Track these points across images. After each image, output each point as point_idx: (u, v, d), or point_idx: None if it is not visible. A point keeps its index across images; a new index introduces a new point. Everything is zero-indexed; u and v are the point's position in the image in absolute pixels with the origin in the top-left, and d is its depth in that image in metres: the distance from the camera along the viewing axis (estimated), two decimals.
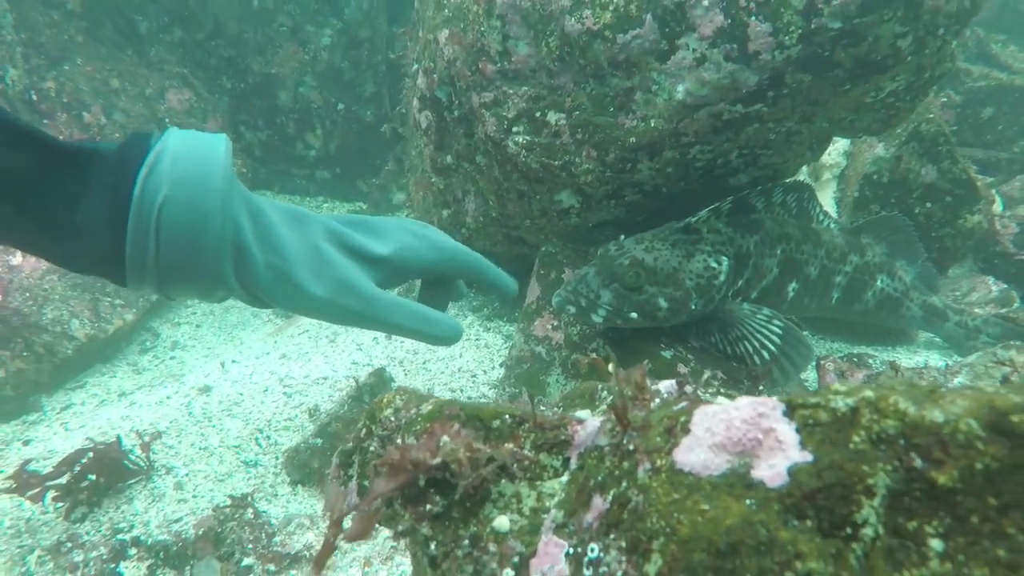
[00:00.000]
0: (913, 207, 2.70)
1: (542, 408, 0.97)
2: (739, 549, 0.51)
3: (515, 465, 0.71)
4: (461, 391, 2.29)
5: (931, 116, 2.62)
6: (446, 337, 1.10)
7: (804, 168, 2.84)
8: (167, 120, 3.69)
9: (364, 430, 0.88)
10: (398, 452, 0.71)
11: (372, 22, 4.12)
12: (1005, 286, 2.66)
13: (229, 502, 1.65)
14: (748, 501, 0.53)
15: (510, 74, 2.10)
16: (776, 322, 2.04)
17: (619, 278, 1.94)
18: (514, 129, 2.10)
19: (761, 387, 2.04)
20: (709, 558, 0.52)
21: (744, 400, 0.59)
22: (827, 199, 2.89)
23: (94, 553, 1.61)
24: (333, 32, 4.11)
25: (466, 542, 0.68)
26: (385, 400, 0.88)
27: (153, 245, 0.84)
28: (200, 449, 2.02)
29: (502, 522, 0.68)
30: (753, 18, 1.70)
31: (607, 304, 1.94)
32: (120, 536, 1.65)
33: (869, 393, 0.55)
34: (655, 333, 2.07)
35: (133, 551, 1.61)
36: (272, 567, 1.44)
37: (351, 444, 0.91)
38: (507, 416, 0.75)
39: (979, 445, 0.50)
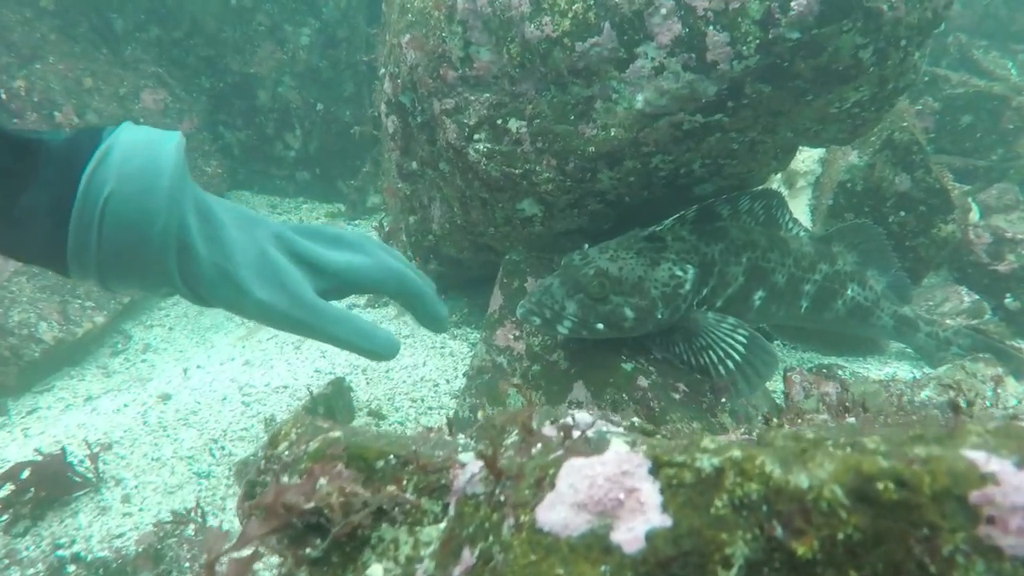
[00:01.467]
0: (887, 216, 2.67)
1: (457, 438, 0.94)
2: None
3: (396, 509, 0.68)
4: (423, 400, 2.25)
5: (904, 124, 2.59)
6: (382, 353, 1.10)
7: (778, 176, 2.81)
8: (141, 120, 3.64)
9: (264, 462, 0.85)
10: (271, 495, 0.68)
11: (350, 21, 4.08)
12: (977, 297, 2.64)
13: (171, 518, 1.62)
14: (603, 567, 0.50)
15: (472, 81, 2.07)
16: (741, 331, 2.01)
17: (584, 288, 1.91)
18: (475, 136, 2.07)
19: (724, 399, 2.02)
20: None
21: (611, 455, 0.56)
22: (802, 207, 2.86)
23: (31, 570, 1.57)
24: (311, 31, 4.07)
25: None
26: (283, 433, 0.84)
27: (96, 238, 0.85)
28: (152, 460, 1.99)
29: (375, 571, 0.65)
30: (711, 28, 1.67)
31: (572, 315, 1.91)
32: (59, 552, 1.62)
33: (737, 453, 0.52)
34: (616, 345, 2.04)
35: (72, 568, 1.58)
36: None
37: (254, 475, 0.87)
38: (392, 456, 0.72)
39: (842, 513, 0.47)
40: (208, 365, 2.69)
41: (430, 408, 2.22)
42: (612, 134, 1.89)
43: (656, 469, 0.54)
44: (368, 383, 2.32)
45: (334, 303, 1.10)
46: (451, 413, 2.20)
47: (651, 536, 0.50)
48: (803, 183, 2.83)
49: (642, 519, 0.51)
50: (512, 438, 0.80)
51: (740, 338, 2.00)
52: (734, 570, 0.48)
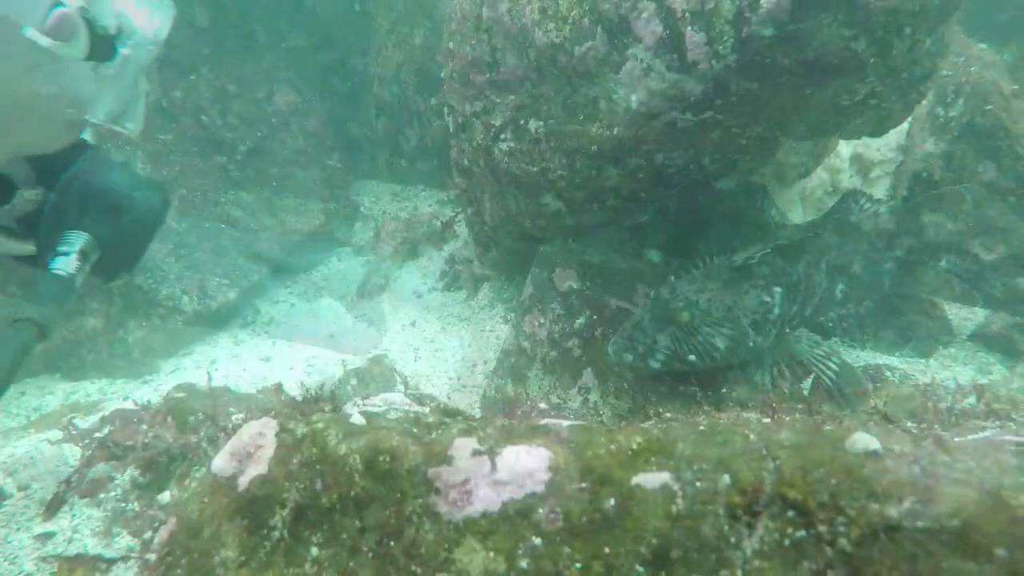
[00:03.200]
0: None
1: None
2: (197, 533, 0.66)
3: (190, 454, 0.89)
4: (459, 378, 2.46)
5: (988, 108, 2.37)
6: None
7: (847, 165, 2.66)
8: (273, 120, 4.15)
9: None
10: (109, 435, 0.91)
11: None
12: None
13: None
14: (224, 499, 0.68)
15: (499, 84, 2.21)
16: (833, 360, 2.03)
17: (674, 321, 1.92)
18: (501, 136, 2.22)
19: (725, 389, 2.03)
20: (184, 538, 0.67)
21: (256, 422, 0.73)
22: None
23: None
24: (424, 32, 4.36)
25: None
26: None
27: None
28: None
29: (163, 496, 0.86)
30: (689, 28, 1.69)
31: (665, 348, 1.92)
32: None
33: (319, 424, 0.68)
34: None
35: None
36: None
37: None
38: (200, 414, 0.93)
39: (355, 477, 0.62)
40: (294, 344, 3.09)
41: (464, 386, 2.43)
42: (614, 133, 1.95)
43: (278, 432, 0.71)
44: (415, 360, 2.57)
45: None
46: (483, 391, 2.39)
47: (253, 480, 0.68)
48: (878, 172, 2.67)
49: (255, 468, 0.69)
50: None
51: (833, 366, 2.02)
52: (287, 509, 0.64)
